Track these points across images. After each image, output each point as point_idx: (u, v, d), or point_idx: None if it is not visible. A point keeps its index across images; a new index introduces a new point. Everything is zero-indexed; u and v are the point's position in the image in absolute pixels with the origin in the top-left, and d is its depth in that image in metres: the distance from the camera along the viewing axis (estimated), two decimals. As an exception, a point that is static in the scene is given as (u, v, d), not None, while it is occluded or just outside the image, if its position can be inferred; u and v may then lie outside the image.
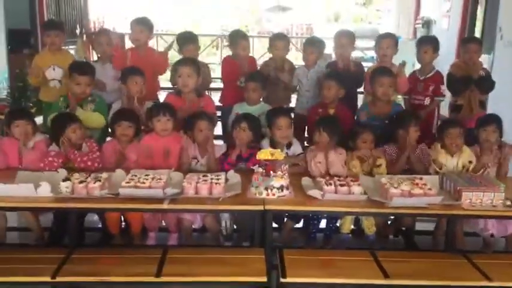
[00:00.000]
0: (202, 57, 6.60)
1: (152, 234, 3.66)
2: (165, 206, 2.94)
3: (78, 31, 9.78)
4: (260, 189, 3.06)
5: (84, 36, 8.84)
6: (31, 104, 6.87)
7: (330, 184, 3.10)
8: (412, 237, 3.81)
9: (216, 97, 4.79)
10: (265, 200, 3.01)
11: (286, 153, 3.59)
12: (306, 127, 4.33)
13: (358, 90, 4.68)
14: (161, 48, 11.43)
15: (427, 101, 4.40)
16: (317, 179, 3.23)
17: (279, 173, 3.10)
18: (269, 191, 3.05)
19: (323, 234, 3.74)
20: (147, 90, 4.07)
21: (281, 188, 3.07)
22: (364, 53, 10.93)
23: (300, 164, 3.55)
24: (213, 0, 20.27)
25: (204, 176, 3.17)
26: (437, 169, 3.50)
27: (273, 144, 3.63)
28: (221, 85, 4.96)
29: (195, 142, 3.63)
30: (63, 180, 3.01)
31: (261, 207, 2.95)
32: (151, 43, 5.65)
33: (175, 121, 3.65)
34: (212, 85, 5.42)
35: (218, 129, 4.58)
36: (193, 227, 3.57)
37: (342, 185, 3.10)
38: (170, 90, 4.59)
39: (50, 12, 8.97)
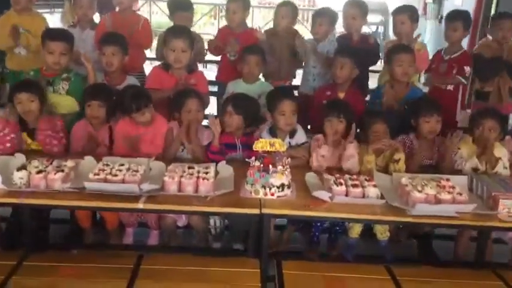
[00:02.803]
0: (198, 27, 5.93)
1: (130, 230, 3.17)
2: (140, 205, 2.42)
3: (65, -7, 9.08)
4: (256, 187, 2.54)
5: (72, -1, 8.21)
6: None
7: (341, 184, 2.59)
8: (430, 244, 3.30)
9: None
10: (262, 201, 2.49)
11: (289, 142, 3.06)
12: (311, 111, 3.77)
13: (370, 68, 4.15)
14: (154, 16, 10.89)
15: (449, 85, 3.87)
16: (325, 176, 2.71)
17: (280, 167, 2.58)
18: (267, 189, 2.54)
19: (327, 236, 3.23)
20: (129, 60, 3.55)
21: (281, 186, 2.55)
22: (370, 28, 10.36)
23: (303, 157, 3.02)
24: (213, -34, 19.44)
25: (189, 168, 2.66)
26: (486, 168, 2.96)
27: (274, 132, 3.11)
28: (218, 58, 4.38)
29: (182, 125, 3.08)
30: (18, 169, 2.48)
31: (257, 211, 2.43)
32: (145, 10, 5.03)
33: (155, 105, 3.10)
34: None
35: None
36: (177, 224, 3.06)
37: (354, 186, 2.59)
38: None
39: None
